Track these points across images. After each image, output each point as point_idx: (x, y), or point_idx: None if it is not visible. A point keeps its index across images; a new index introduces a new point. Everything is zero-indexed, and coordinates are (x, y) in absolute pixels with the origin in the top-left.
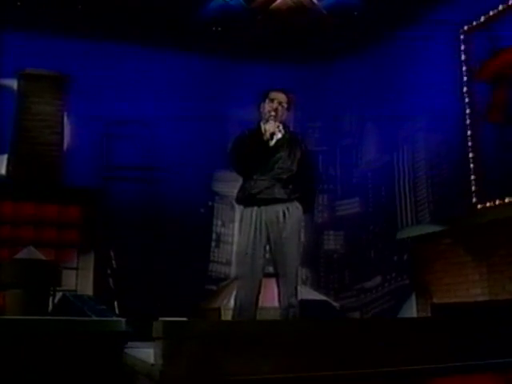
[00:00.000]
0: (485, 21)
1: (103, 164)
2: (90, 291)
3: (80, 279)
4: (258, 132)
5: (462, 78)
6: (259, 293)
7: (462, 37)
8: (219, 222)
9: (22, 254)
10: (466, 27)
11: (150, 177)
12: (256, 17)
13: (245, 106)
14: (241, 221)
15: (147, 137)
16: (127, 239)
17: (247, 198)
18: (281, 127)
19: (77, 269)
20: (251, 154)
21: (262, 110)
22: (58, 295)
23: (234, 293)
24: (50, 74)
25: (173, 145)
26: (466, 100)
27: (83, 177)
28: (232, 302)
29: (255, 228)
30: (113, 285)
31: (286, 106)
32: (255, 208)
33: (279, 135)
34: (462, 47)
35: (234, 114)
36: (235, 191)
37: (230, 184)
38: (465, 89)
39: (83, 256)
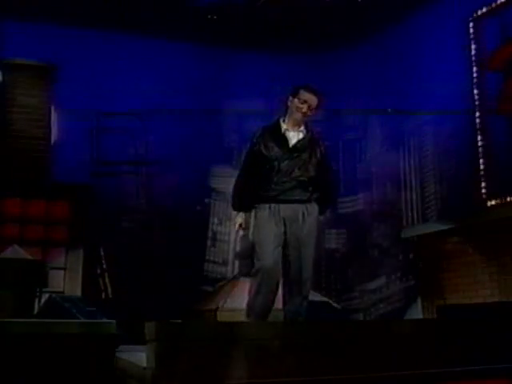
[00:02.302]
0: (495, 7)
1: (93, 158)
2: (78, 292)
3: (68, 279)
4: (277, 130)
5: (472, 68)
6: (277, 291)
7: (471, 24)
8: (216, 220)
9: (7, 253)
10: (475, 14)
11: (143, 172)
12: (255, 4)
13: (242, 98)
14: (255, 218)
15: (140, 130)
16: (118, 237)
17: (265, 198)
18: (303, 128)
19: (65, 269)
20: (271, 157)
21: (289, 103)
22: (45, 296)
23: (231, 294)
24: (37, 64)
25: (167, 138)
26: (476, 91)
27: (72, 172)
28: (228, 303)
29: (274, 222)
30: (103, 285)
31: (314, 109)
32: (273, 204)
33: (300, 135)
34: (472, 35)
35: (231, 106)
36: (232, 187)
37: (227, 180)
38: (474, 79)
39: (71, 255)
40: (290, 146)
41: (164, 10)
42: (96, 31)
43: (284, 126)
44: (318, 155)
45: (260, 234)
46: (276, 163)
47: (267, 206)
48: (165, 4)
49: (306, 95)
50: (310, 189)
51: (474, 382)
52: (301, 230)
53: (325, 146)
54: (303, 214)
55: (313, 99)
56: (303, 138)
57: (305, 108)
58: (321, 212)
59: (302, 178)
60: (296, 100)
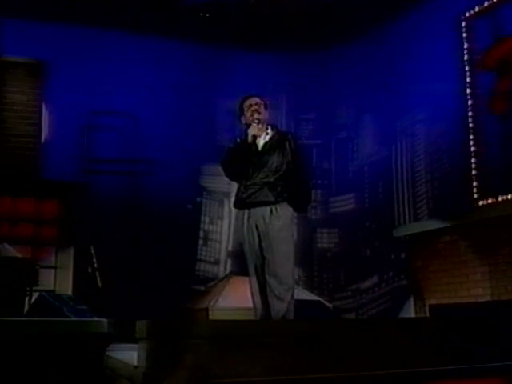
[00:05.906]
0: (488, 6)
1: (84, 156)
2: (69, 291)
3: (58, 278)
4: (245, 139)
5: (464, 67)
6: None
7: (463, 23)
8: (207, 219)
9: None
10: (467, 13)
11: (134, 170)
12: (248, 2)
13: (234, 96)
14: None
15: (131, 128)
16: (109, 236)
17: (239, 203)
18: (269, 130)
19: (55, 267)
20: (239, 161)
21: (244, 121)
22: (35, 295)
23: (223, 293)
24: (27, 61)
25: (158, 137)
26: (468, 90)
27: (62, 170)
28: (220, 302)
29: (247, 229)
30: (94, 284)
31: (262, 105)
32: (246, 210)
33: (267, 138)
34: (464, 34)
35: (222, 104)
36: (223, 186)
37: (218, 179)
38: (467, 78)
39: (62, 253)
40: (258, 149)
41: (156, 8)
42: (87, 29)
43: (250, 135)
44: (288, 153)
45: (243, 238)
46: (246, 168)
47: (242, 212)
48: (157, 2)
49: (246, 102)
50: (279, 189)
51: (467, 380)
52: (269, 230)
53: (296, 144)
54: (271, 214)
55: (253, 99)
56: (270, 140)
57: (253, 107)
58: (298, 210)
59: (268, 179)
60: (244, 110)
